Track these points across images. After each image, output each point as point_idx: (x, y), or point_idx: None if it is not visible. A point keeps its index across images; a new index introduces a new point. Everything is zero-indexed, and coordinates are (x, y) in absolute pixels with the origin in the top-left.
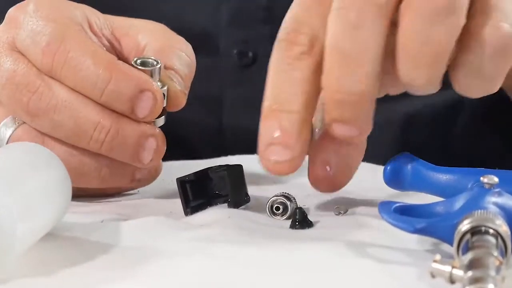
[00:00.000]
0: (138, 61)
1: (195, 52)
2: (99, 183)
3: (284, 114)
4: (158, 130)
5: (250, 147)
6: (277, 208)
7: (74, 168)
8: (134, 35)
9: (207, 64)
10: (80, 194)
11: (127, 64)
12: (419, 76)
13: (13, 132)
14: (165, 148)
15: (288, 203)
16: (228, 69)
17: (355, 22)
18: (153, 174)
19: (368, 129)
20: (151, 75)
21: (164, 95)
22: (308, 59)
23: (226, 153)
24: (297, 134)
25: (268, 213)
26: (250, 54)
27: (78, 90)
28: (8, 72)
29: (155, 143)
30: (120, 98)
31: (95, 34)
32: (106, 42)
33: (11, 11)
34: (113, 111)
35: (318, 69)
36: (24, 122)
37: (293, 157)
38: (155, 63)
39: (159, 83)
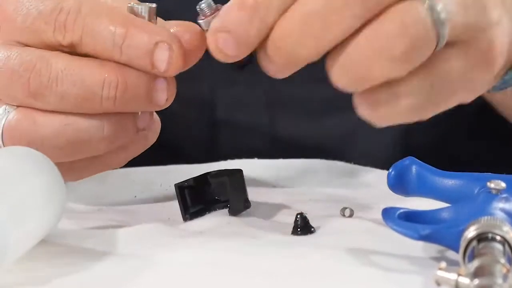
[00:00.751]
0: (135, 4)
1: None
2: (106, 144)
3: (257, 18)
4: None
5: (244, 150)
6: None
7: (77, 137)
8: None
9: (199, 63)
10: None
11: (143, 20)
12: None
13: (5, 121)
14: (176, 84)
15: None
16: (221, 69)
17: None
18: (155, 120)
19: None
20: (149, 14)
21: None
22: None
23: (219, 156)
24: (255, 43)
25: None
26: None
27: (99, 55)
28: (1, 60)
29: (165, 82)
30: (137, 54)
31: None
32: None
33: None
34: (115, 62)
35: None
36: (14, 108)
37: (236, 55)
38: (150, 4)
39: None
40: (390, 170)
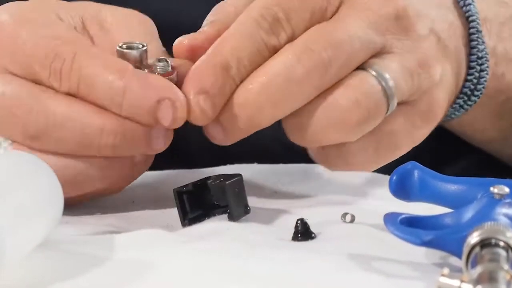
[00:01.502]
0: (124, 46)
1: None
2: (105, 183)
3: (230, 78)
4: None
5: (252, 152)
6: None
7: (75, 178)
8: (108, 32)
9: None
10: (81, 200)
11: (141, 72)
12: None
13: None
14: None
15: None
16: None
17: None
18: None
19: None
20: (140, 58)
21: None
22: (271, 54)
23: (226, 158)
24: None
25: None
26: None
27: (99, 105)
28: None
29: (163, 129)
30: (139, 111)
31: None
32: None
33: None
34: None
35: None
36: (10, 143)
37: (213, 116)
38: (140, 46)
39: (154, 62)
40: (392, 175)
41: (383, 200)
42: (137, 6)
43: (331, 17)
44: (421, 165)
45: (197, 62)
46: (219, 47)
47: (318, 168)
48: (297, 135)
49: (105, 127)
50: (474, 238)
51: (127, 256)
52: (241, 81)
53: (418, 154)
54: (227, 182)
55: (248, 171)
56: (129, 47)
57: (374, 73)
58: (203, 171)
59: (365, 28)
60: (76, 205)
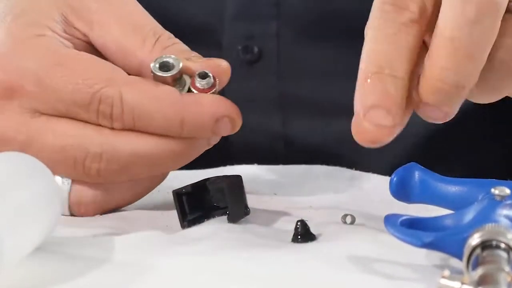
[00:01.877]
0: (157, 65)
1: (194, 46)
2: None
3: (389, 78)
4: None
5: (255, 151)
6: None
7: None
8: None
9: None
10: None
11: (192, 96)
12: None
13: (69, 196)
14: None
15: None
16: (231, 65)
17: (474, 18)
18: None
19: (453, 115)
20: (175, 80)
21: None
22: (417, 28)
23: (230, 157)
24: (401, 101)
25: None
26: (256, 50)
27: (158, 134)
28: (56, 147)
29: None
30: (200, 133)
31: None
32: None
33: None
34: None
35: (421, 40)
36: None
37: (394, 123)
38: (174, 63)
39: (185, 77)
40: (393, 176)
41: (383, 201)
42: (144, 1)
43: None
44: (422, 166)
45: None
46: (364, 58)
47: (319, 169)
48: (489, 91)
49: (175, 151)
50: (475, 239)
51: (126, 258)
52: (408, 72)
53: (411, 154)
54: (226, 183)
55: (248, 172)
56: (164, 65)
57: None
58: (202, 172)
59: None
60: None
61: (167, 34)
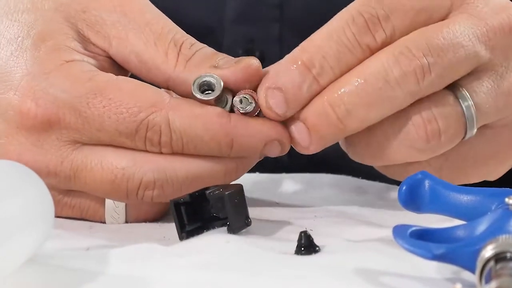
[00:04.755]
0: (196, 88)
1: None
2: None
3: (311, 78)
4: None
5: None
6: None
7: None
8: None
9: None
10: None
11: (241, 118)
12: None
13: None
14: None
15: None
16: None
17: (393, 82)
18: None
19: (315, 151)
20: (216, 99)
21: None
22: (367, 54)
23: None
24: (304, 102)
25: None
26: (257, 53)
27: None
28: (105, 180)
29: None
30: (248, 154)
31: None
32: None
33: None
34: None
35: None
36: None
37: (284, 113)
38: (214, 83)
39: (228, 97)
40: (401, 185)
41: (391, 211)
42: None
43: (437, 22)
44: (432, 175)
45: (281, 60)
46: (304, 44)
47: (323, 178)
48: (365, 153)
49: (228, 169)
50: (488, 251)
51: (121, 272)
52: (328, 82)
53: None
54: (226, 193)
55: (249, 180)
56: (204, 85)
57: (463, 92)
58: None
59: (473, 39)
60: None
61: (188, 41)
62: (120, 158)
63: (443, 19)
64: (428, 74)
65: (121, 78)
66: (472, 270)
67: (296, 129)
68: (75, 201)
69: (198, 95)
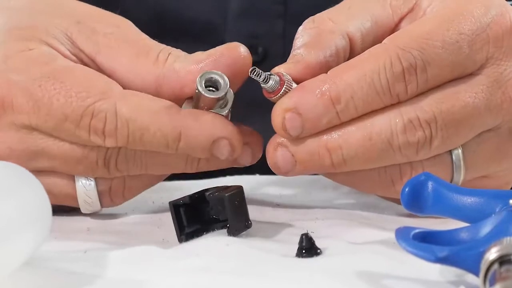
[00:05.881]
0: (203, 81)
1: (196, 44)
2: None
3: (333, 111)
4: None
5: (260, 158)
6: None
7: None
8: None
9: None
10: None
11: (191, 112)
12: None
13: (96, 187)
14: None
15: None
16: None
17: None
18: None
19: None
20: (220, 99)
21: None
22: (392, 101)
23: (226, 169)
24: (319, 131)
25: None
26: (260, 49)
27: (150, 150)
28: (75, 156)
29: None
30: (195, 151)
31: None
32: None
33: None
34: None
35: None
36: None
37: (297, 136)
38: (220, 81)
39: (229, 98)
40: (404, 187)
41: (394, 213)
42: (140, 2)
43: (469, 75)
44: (435, 176)
45: (311, 81)
46: (335, 77)
47: (324, 180)
48: (342, 181)
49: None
50: (492, 254)
51: (119, 274)
52: (349, 120)
53: None
54: (226, 194)
55: (249, 182)
56: (210, 82)
57: (458, 153)
58: (201, 183)
59: (484, 111)
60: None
61: (180, 51)
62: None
63: (473, 74)
64: (427, 145)
65: (79, 66)
66: (476, 273)
67: (282, 157)
68: (45, 182)
69: (203, 91)
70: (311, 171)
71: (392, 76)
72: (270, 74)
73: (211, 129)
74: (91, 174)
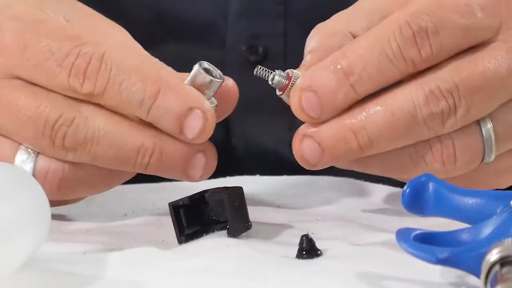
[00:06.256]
0: (203, 65)
1: (197, 44)
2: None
3: (347, 84)
4: (207, 144)
5: (259, 156)
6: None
7: (102, 182)
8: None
9: (210, 58)
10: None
11: (176, 77)
12: None
13: (35, 165)
14: (216, 161)
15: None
16: (234, 65)
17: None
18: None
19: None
20: (209, 87)
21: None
22: (408, 68)
23: (234, 162)
24: (340, 108)
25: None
26: (261, 49)
27: (121, 110)
28: (28, 109)
29: (204, 159)
30: (167, 116)
31: None
32: None
33: None
34: (153, 128)
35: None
36: (37, 154)
37: (319, 117)
38: (218, 76)
39: (212, 99)
40: (405, 188)
41: (395, 214)
42: (140, 3)
43: (484, 42)
44: (436, 177)
45: (323, 60)
46: (346, 49)
47: (325, 180)
48: (375, 168)
49: (144, 145)
50: (493, 255)
51: (119, 276)
52: (366, 92)
53: None
54: (226, 195)
55: (249, 183)
56: (206, 70)
57: (486, 120)
58: (201, 183)
59: (507, 77)
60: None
61: None
62: (47, 92)
63: (489, 41)
64: (453, 115)
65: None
66: (477, 275)
67: (309, 148)
68: None
69: (201, 70)
70: (340, 158)
71: (402, 41)
72: (276, 71)
73: (190, 97)
74: (34, 143)
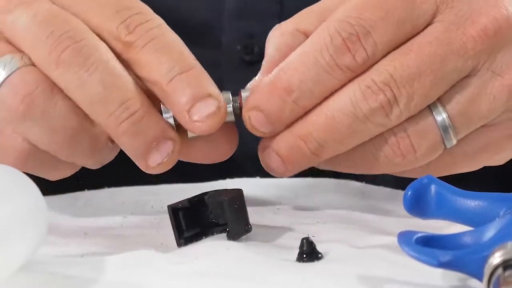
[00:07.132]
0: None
1: (192, 45)
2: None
3: (290, 101)
4: (178, 138)
5: (258, 159)
6: None
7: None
8: None
9: (206, 59)
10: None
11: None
12: None
13: (12, 72)
14: (175, 161)
15: None
16: (230, 65)
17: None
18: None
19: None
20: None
21: None
22: (346, 75)
23: (231, 166)
24: (289, 121)
25: None
26: (256, 49)
27: (145, 68)
28: (49, 11)
29: (172, 148)
30: (185, 91)
31: None
32: None
33: None
34: (148, 96)
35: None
36: (30, 64)
37: (272, 132)
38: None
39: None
40: (407, 190)
41: (396, 217)
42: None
43: (422, 28)
44: (438, 179)
45: (262, 81)
46: (283, 66)
47: (326, 182)
48: (343, 168)
49: (131, 100)
50: (496, 258)
51: (117, 279)
52: (311, 104)
53: None
54: (226, 198)
55: (249, 185)
56: None
57: (437, 105)
58: (200, 186)
59: (451, 56)
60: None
61: None
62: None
63: (428, 24)
64: (396, 106)
65: None
66: (480, 278)
67: (270, 158)
68: None
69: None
70: (299, 165)
71: (334, 50)
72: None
73: (214, 90)
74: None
